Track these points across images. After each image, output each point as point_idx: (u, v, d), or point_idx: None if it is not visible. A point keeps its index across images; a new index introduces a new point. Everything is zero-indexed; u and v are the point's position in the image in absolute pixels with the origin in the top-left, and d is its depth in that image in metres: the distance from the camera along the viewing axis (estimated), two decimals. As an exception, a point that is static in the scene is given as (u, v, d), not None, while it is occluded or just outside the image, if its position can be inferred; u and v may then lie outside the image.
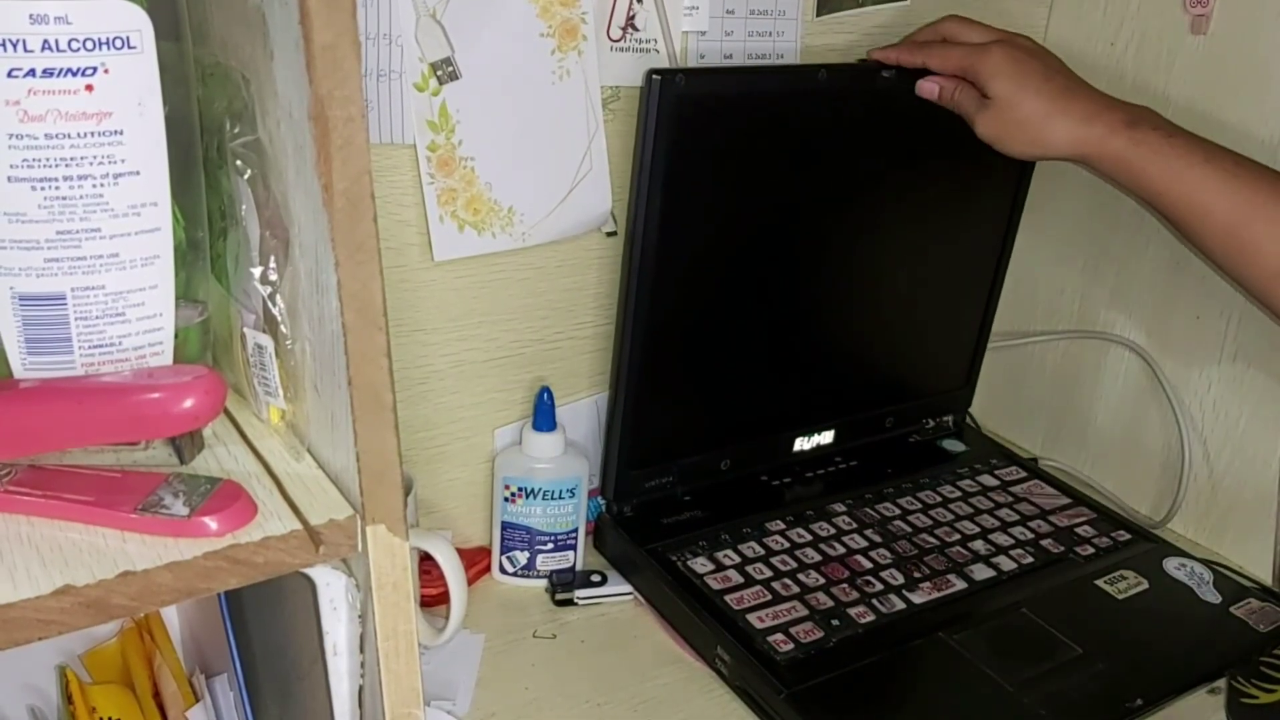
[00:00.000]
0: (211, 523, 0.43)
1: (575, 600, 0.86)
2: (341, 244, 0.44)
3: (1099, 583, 0.87)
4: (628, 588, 0.87)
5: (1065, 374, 1.08)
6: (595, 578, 0.87)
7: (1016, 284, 1.10)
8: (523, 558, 0.87)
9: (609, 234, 0.87)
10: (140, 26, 0.43)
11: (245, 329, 0.51)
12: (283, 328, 0.49)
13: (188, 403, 0.43)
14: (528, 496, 0.86)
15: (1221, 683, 0.77)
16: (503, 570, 0.88)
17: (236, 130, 0.48)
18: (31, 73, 0.42)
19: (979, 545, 0.91)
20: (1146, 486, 1.01)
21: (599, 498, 0.93)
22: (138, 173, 0.45)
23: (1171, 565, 0.90)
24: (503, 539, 0.88)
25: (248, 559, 0.44)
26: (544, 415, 0.85)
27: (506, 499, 0.86)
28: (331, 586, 0.49)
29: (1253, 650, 0.79)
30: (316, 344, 0.48)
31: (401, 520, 0.48)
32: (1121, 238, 1.00)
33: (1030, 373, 1.12)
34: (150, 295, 0.47)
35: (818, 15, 0.90)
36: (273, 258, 0.48)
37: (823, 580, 0.84)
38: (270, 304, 0.49)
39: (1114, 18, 0.98)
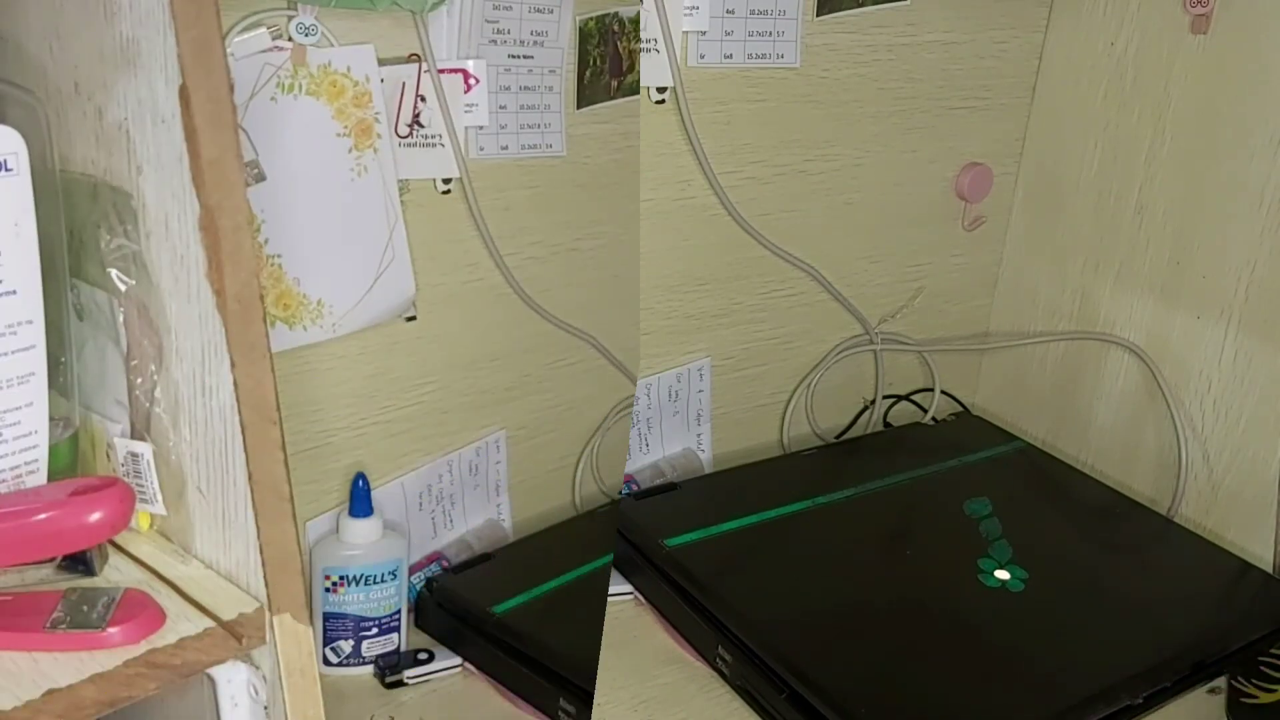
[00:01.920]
0: (126, 631, 0.44)
1: (404, 680, 0.87)
2: (236, 345, 0.46)
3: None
4: (456, 660, 0.88)
5: (1065, 375, 1.07)
6: (422, 655, 0.88)
7: (1016, 284, 1.10)
8: (347, 646, 0.88)
9: (409, 319, 0.90)
10: (16, 149, 0.44)
11: (114, 439, 0.51)
12: (163, 434, 0.49)
13: (98, 515, 0.43)
14: (350, 584, 0.86)
15: (1221, 682, 0.78)
16: (327, 662, 0.88)
17: (108, 241, 0.48)
18: (-95, 200, 0.42)
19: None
20: (1146, 486, 1.01)
21: (418, 575, 0.95)
22: (14, 292, 0.45)
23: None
24: (325, 630, 0.87)
25: (166, 662, 0.45)
26: (360, 501, 0.86)
27: (327, 589, 0.86)
28: (233, 682, 0.50)
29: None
30: (200, 446, 0.49)
31: (304, 607, 0.49)
32: (1121, 238, 1.01)
33: (1030, 373, 1.11)
34: (26, 414, 0.47)
35: (818, 15, 0.91)
36: (151, 366, 0.49)
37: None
38: (149, 411, 0.49)
39: (1114, 18, 0.97)
